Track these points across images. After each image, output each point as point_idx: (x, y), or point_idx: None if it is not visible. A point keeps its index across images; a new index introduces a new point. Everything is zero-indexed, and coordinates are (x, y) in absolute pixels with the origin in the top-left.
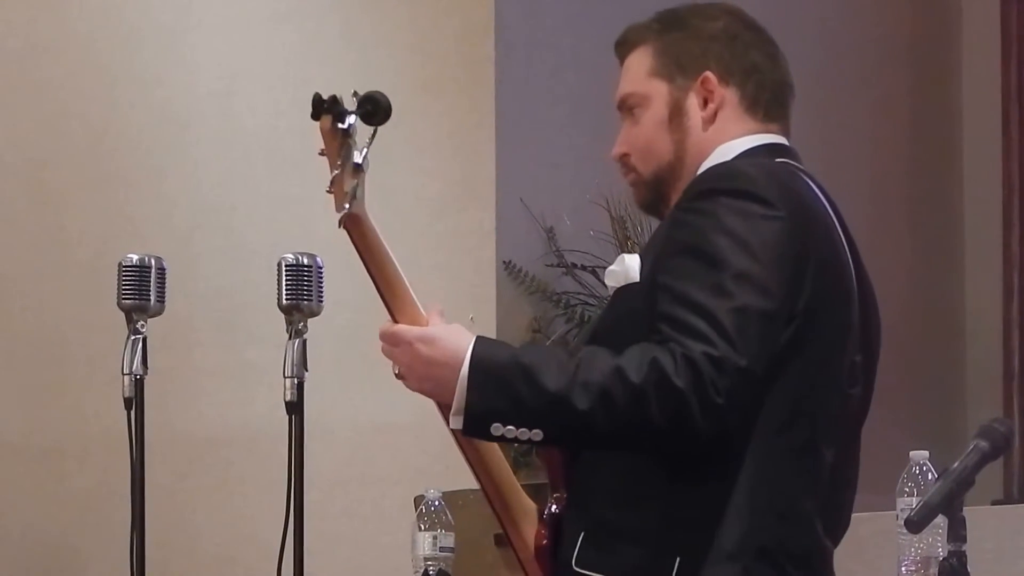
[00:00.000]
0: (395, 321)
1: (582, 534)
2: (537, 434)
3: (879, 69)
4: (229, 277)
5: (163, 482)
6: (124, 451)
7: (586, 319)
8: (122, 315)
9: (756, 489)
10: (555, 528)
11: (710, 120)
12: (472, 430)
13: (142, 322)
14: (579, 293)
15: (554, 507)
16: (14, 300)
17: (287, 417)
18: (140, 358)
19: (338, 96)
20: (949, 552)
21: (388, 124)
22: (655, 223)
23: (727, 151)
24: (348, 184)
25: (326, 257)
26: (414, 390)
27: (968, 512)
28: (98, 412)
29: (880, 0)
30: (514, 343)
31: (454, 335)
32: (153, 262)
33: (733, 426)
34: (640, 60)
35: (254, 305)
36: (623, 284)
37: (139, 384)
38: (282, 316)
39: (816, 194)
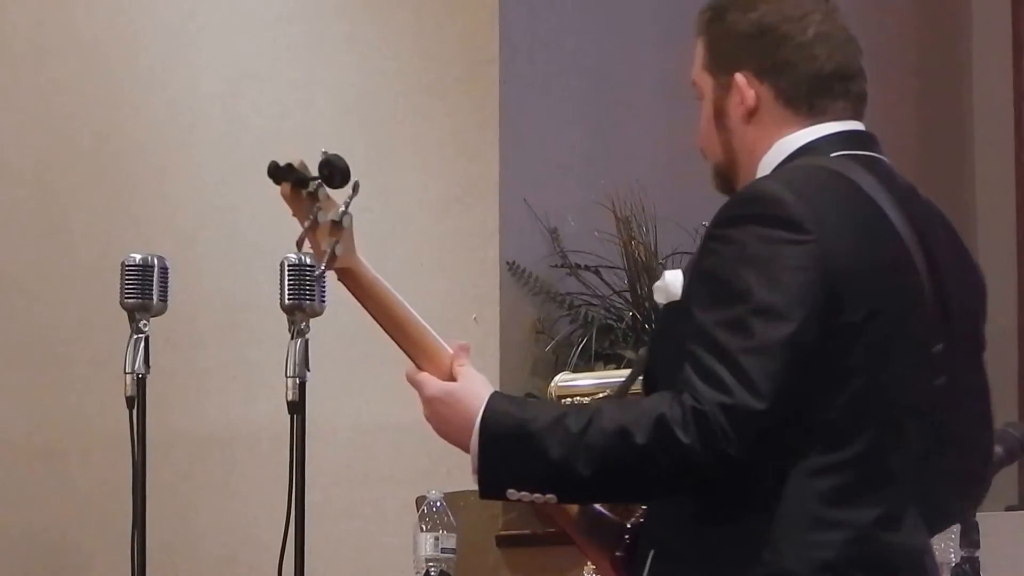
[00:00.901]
0: (416, 364)
1: (652, 552)
2: (551, 497)
3: (887, 73)
4: (232, 277)
5: (165, 481)
6: (127, 450)
7: (589, 319)
8: (125, 314)
9: (813, 505)
10: (633, 542)
11: (746, 120)
12: (489, 495)
13: (144, 321)
14: (582, 294)
15: (641, 519)
16: (18, 299)
17: (289, 417)
18: (142, 357)
19: (295, 163)
20: (962, 558)
21: (393, 125)
22: (662, 224)
23: (786, 145)
24: (326, 243)
25: None
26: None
27: (981, 518)
28: (101, 411)
29: (888, 3)
30: (518, 343)
31: (468, 396)
32: (156, 262)
33: (752, 466)
34: (698, 50)
35: (257, 305)
36: (668, 301)
37: (141, 383)
38: (284, 316)
39: (866, 194)
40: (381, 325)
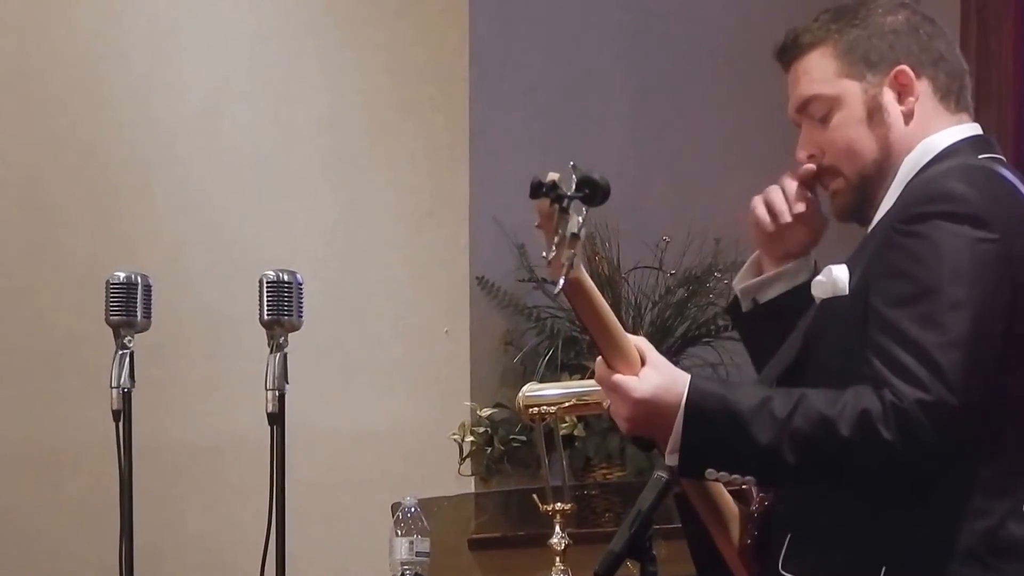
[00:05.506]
0: (609, 364)
1: (789, 536)
2: (750, 480)
3: None
4: (214, 293)
5: (153, 489)
6: (115, 459)
7: (556, 331)
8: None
9: (960, 492)
10: (763, 527)
11: (910, 114)
12: (687, 473)
13: (129, 337)
14: (549, 306)
15: (766, 503)
16: (8, 313)
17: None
18: (127, 372)
19: (556, 179)
20: None
21: (367, 142)
22: (624, 239)
23: (931, 146)
24: (565, 255)
25: (306, 273)
26: (627, 432)
27: None
28: (90, 422)
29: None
30: (487, 354)
31: (669, 383)
32: (139, 280)
33: (949, 460)
34: (821, 62)
35: (238, 320)
36: (830, 296)
37: (127, 397)
38: (264, 330)
39: (1018, 191)
40: (591, 332)
